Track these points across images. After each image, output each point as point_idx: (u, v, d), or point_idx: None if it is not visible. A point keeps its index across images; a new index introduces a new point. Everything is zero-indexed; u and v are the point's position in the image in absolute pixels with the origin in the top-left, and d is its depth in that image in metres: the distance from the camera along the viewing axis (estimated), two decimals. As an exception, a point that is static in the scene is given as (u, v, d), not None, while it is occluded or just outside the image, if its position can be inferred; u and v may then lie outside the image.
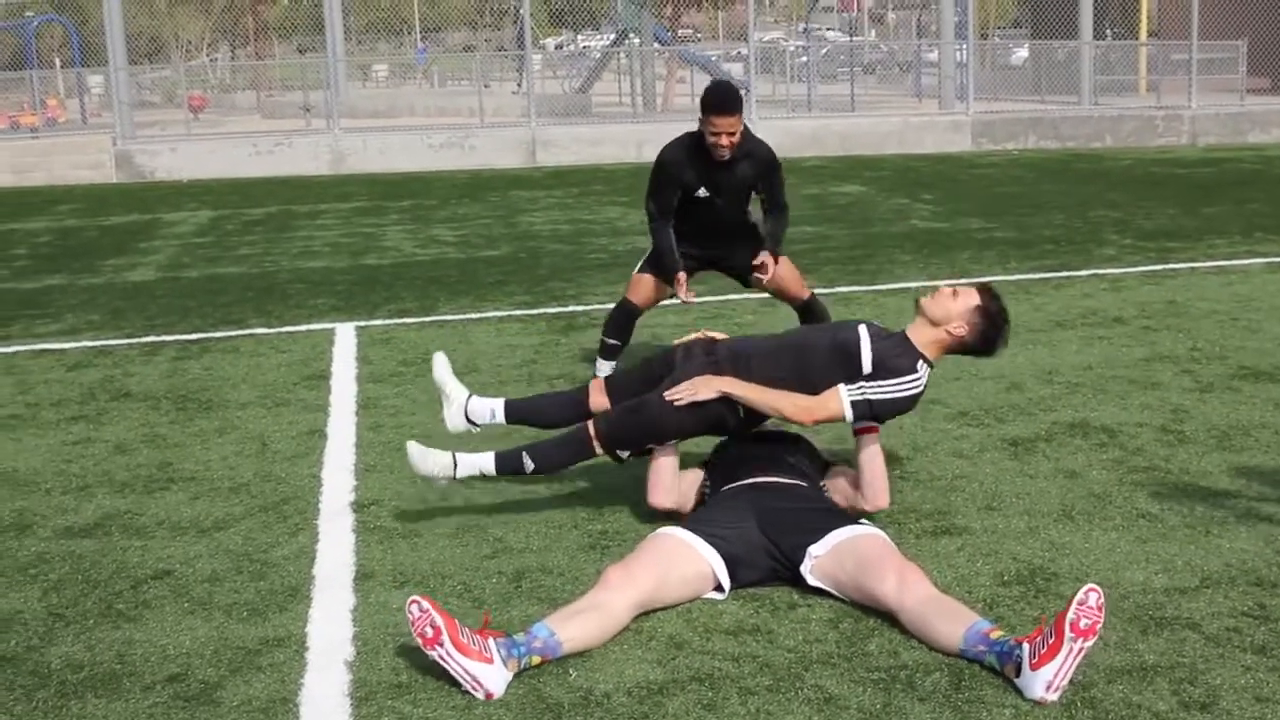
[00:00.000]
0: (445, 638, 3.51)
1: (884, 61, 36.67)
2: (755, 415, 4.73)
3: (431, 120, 23.66)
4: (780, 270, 6.58)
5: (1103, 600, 3.47)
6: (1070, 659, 3.41)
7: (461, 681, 3.51)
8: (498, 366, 7.30)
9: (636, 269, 6.70)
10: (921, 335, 4.73)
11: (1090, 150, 21.17)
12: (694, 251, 6.49)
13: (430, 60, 38.29)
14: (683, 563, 4.05)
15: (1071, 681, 3.48)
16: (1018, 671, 3.48)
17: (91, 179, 19.53)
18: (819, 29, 39.52)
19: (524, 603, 4.13)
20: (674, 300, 6.65)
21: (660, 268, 6.52)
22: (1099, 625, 3.45)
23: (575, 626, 3.72)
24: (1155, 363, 6.96)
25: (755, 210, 6.61)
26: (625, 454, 4.76)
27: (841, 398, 4.59)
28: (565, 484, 5.23)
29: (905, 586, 3.85)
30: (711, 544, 4.11)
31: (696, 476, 4.78)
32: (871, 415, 4.64)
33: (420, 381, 6.92)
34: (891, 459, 5.42)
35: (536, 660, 3.64)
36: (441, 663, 3.53)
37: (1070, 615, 3.42)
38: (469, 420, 5.02)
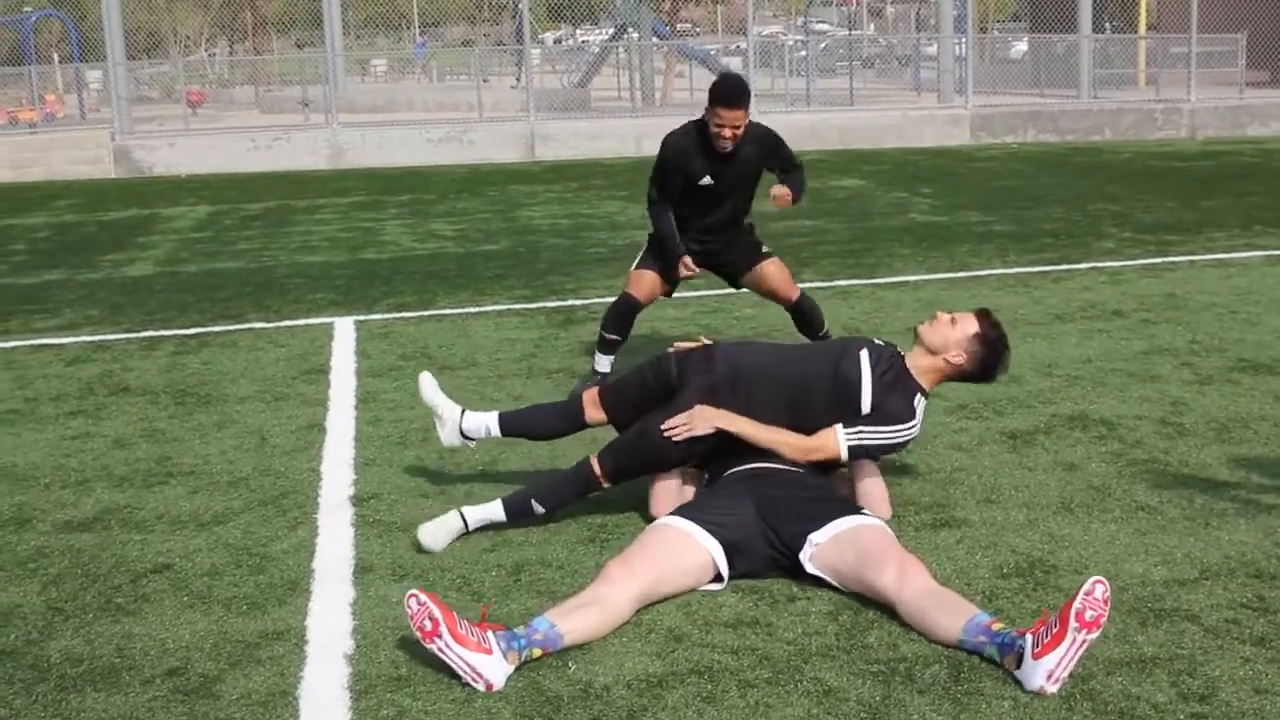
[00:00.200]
0: (444, 630, 3.51)
1: (883, 55, 36.61)
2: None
3: (430, 115, 23.65)
4: (771, 270, 6.60)
5: (1109, 594, 3.48)
6: (1073, 649, 3.41)
7: (461, 674, 3.51)
8: (496, 360, 7.30)
9: (635, 265, 6.68)
10: (920, 363, 4.71)
11: (1089, 144, 21.16)
12: (692, 247, 6.49)
13: (429, 55, 38.25)
14: (683, 553, 4.05)
15: (1071, 674, 3.48)
16: (1018, 663, 3.48)
17: (90, 174, 19.51)
18: (818, 21, 39.47)
19: (523, 596, 4.13)
20: (672, 296, 6.67)
21: (663, 251, 6.50)
22: (1103, 619, 3.45)
23: (576, 619, 3.72)
24: (1154, 355, 6.96)
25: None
26: (628, 479, 4.76)
27: (839, 440, 4.56)
28: (564, 477, 5.23)
29: (905, 579, 3.85)
30: (711, 532, 4.11)
31: (697, 479, 4.77)
32: (865, 456, 4.63)
33: (419, 375, 6.90)
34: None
35: (537, 653, 3.64)
36: (440, 655, 3.53)
37: (1077, 605, 3.42)
38: (465, 437, 5.01)
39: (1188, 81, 22.60)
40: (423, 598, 3.56)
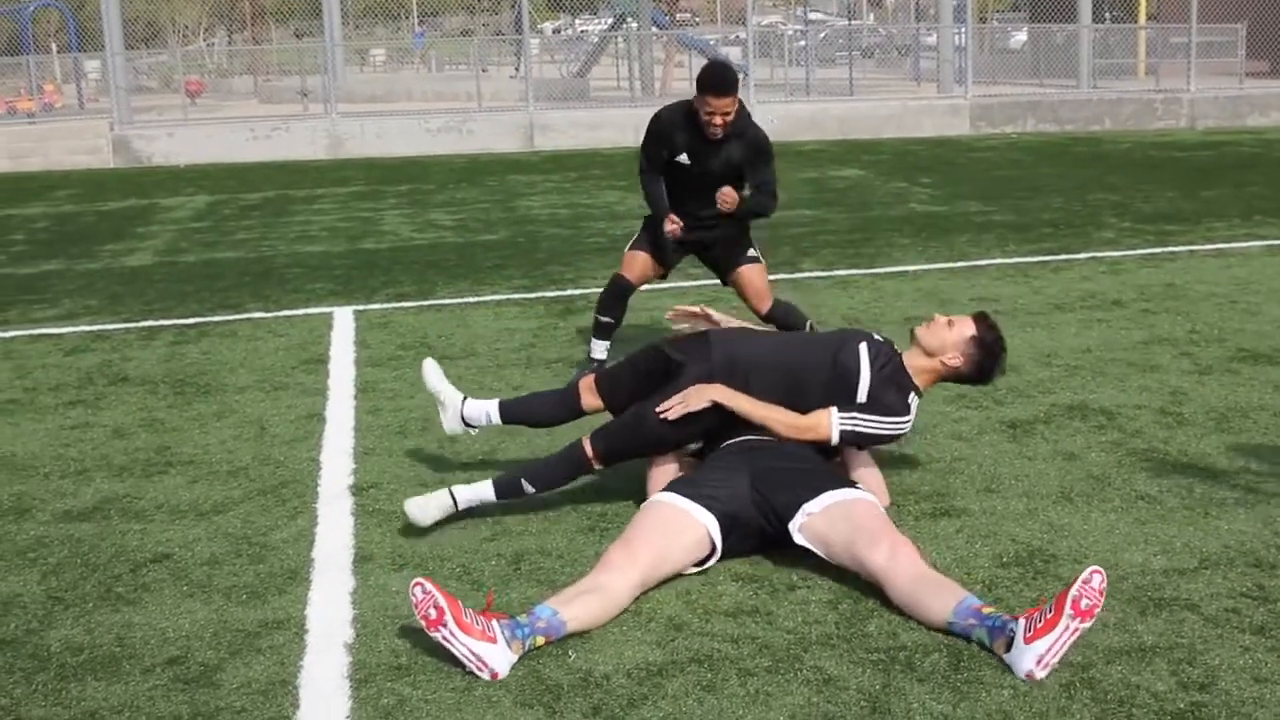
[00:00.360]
0: (449, 618, 3.51)
1: (882, 45, 36.58)
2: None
3: (429, 105, 23.62)
4: (748, 276, 6.59)
5: (1105, 584, 3.48)
6: (1065, 636, 3.42)
7: (466, 662, 3.51)
8: (496, 350, 7.30)
9: (629, 246, 6.72)
10: (915, 363, 4.70)
11: (1089, 133, 21.15)
12: (687, 235, 6.50)
13: (428, 44, 38.20)
14: (681, 531, 4.06)
15: (1070, 663, 3.49)
16: (1008, 646, 3.48)
17: (88, 164, 19.49)
18: (816, 12, 39.42)
19: (523, 585, 4.13)
20: (667, 285, 6.67)
21: (652, 212, 6.56)
22: (1097, 609, 3.45)
23: (578, 606, 3.73)
24: (1154, 345, 6.96)
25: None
26: (622, 462, 4.77)
27: (832, 422, 4.55)
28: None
29: (896, 559, 3.86)
30: (706, 506, 4.12)
31: (694, 469, 4.77)
32: (855, 442, 4.63)
33: (419, 365, 6.91)
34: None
35: (540, 641, 3.64)
36: (445, 644, 3.53)
37: (1074, 592, 3.42)
38: (466, 424, 5.03)
39: (1187, 71, 22.59)
40: (428, 586, 3.55)
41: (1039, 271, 9.18)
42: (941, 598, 3.71)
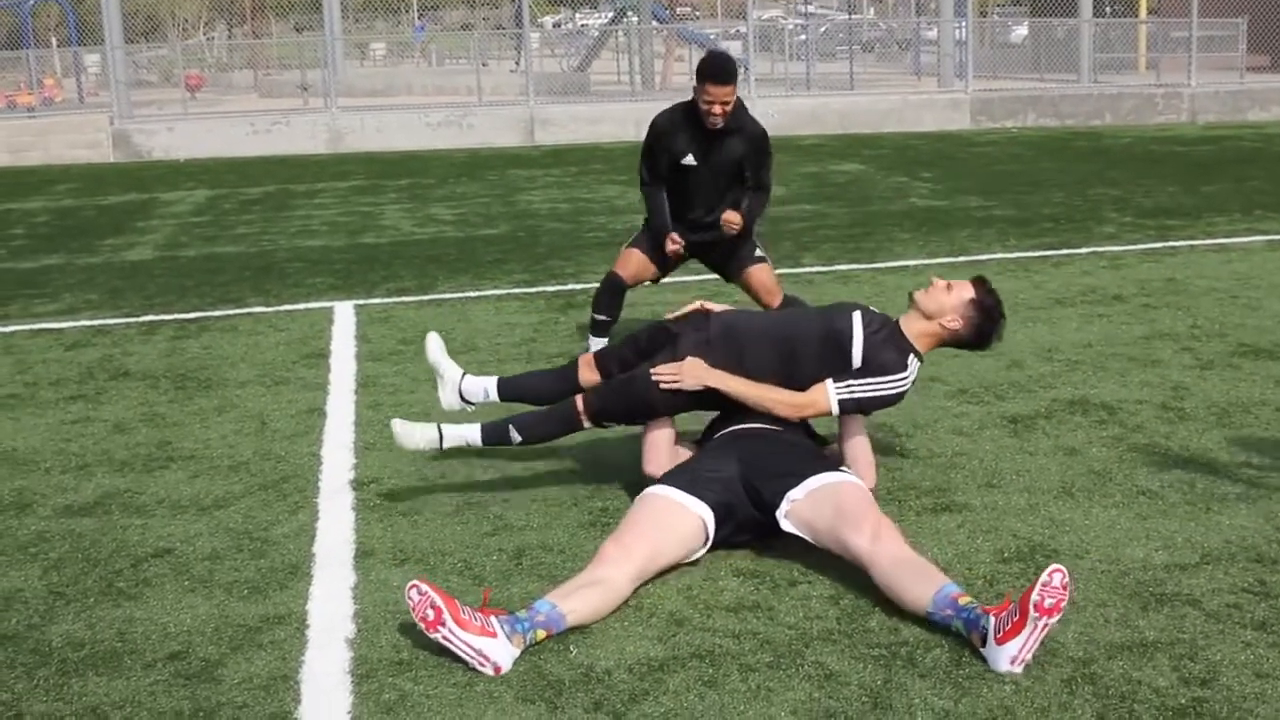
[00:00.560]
0: (447, 617, 3.51)
1: (883, 39, 36.55)
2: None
3: (429, 99, 23.60)
4: (758, 275, 6.62)
5: (1067, 580, 3.46)
6: (1035, 635, 3.44)
7: (467, 659, 3.51)
8: (496, 345, 7.30)
9: (628, 243, 6.75)
10: (914, 327, 4.70)
11: (1089, 128, 21.13)
12: (689, 238, 6.53)
13: (428, 38, 38.16)
14: (675, 523, 4.07)
15: (1071, 658, 3.49)
16: (983, 641, 3.50)
17: (88, 158, 19.48)
18: (817, 6, 39.37)
19: (524, 580, 4.13)
20: (669, 281, 6.67)
21: (652, 228, 6.58)
22: (1063, 603, 3.45)
23: (577, 600, 3.73)
24: (1155, 340, 6.96)
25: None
26: (612, 424, 4.81)
27: (829, 395, 4.57)
28: (565, 462, 5.24)
29: (879, 541, 3.87)
30: (700, 497, 4.13)
31: (690, 446, 4.78)
32: (857, 410, 4.63)
33: (420, 360, 6.91)
34: (891, 435, 5.44)
35: (541, 635, 3.64)
36: (446, 643, 3.52)
37: (1034, 596, 3.42)
38: (464, 399, 5.05)
39: (1188, 66, 22.56)
40: (423, 587, 3.55)
41: (1040, 266, 9.18)
42: (920, 585, 3.72)
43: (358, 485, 5.05)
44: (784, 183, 14.28)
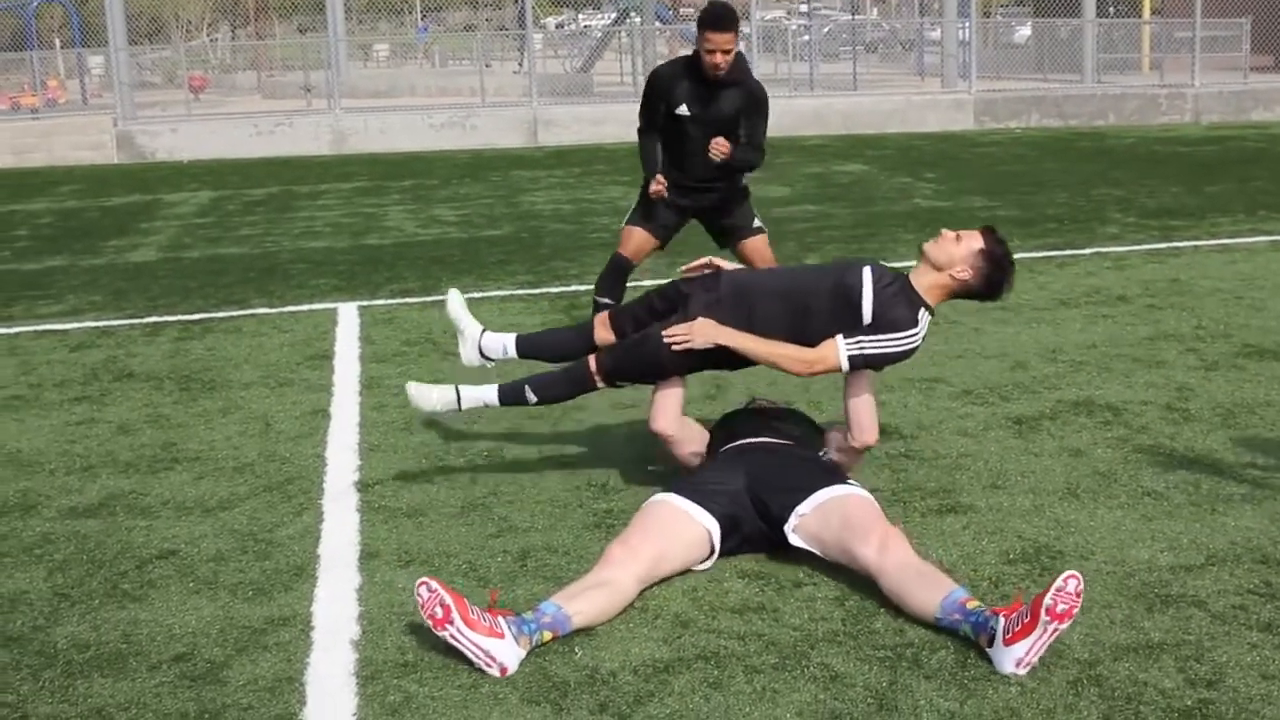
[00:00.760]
0: (455, 616, 3.50)
1: (886, 40, 36.53)
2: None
3: (433, 100, 23.60)
4: (757, 245, 6.72)
5: (1081, 587, 3.45)
6: (1043, 638, 3.43)
7: (474, 659, 3.50)
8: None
9: (625, 221, 6.83)
10: (924, 280, 4.66)
11: (1093, 128, 21.11)
12: (683, 202, 6.60)
13: (431, 40, 38.17)
14: (681, 531, 4.06)
15: (1077, 659, 3.49)
16: (990, 642, 3.49)
17: (92, 160, 19.49)
18: (821, 7, 39.35)
19: (529, 581, 4.13)
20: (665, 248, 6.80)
21: (643, 187, 6.69)
22: (1076, 610, 3.43)
23: (583, 602, 3.72)
24: (1159, 341, 6.95)
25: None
26: (626, 384, 4.84)
27: (839, 350, 4.55)
28: (570, 463, 5.24)
29: (887, 550, 3.86)
30: (706, 508, 4.12)
31: (703, 433, 4.78)
32: (867, 366, 4.61)
33: (424, 361, 6.93)
34: (895, 437, 5.43)
35: (547, 636, 3.63)
36: (453, 642, 3.52)
37: (1048, 600, 3.41)
38: (483, 355, 5.08)
39: (1192, 66, 22.53)
40: (433, 585, 3.55)
41: (1044, 267, 9.17)
42: (928, 591, 3.71)
43: (362, 487, 5.05)
44: (788, 183, 14.30)
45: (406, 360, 6.95)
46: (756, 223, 6.75)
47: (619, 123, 20.11)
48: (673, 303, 4.85)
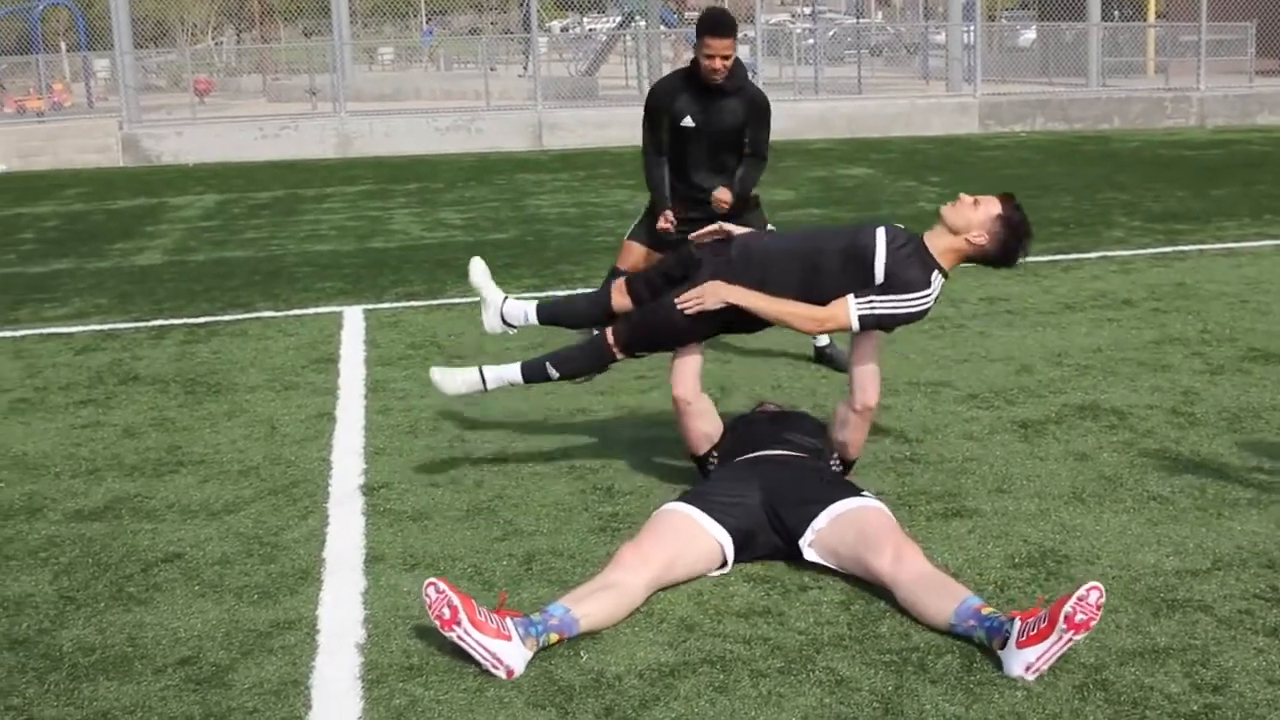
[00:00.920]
0: (463, 616, 3.50)
1: (891, 44, 36.56)
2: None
3: (438, 103, 23.62)
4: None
5: (1103, 599, 3.43)
6: (1057, 646, 3.42)
7: (481, 661, 3.50)
8: (506, 349, 7.29)
9: (628, 234, 6.81)
10: (940, 243, 4.67)
11: (1098, 132, 21.11)
12: (693, 214, 6.56)
13: (436, 43, 38.21)
14: (693, 541, 4.05)
15: (1083, 664, 3.48)
16: (1003, 645, 3.48)
17: (98, 163, 19.52)
18: (826, 10, 39.37)
19: (534, 585, 4.13)
20: None
21: (650, 201, 6.64)
22: (1094, 622, 3.42)
23: (591, 604, 3.72)
24: (1165, 345, 6.94)
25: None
26: (644, 354, 4.90)
27: (850, 309, 4.55)
28: (575, 467, 5.24)
29: (901, 561, 3.86)
30: (719, 521, 4.11)
31: (719, 421, 4.80)
32: (877, 326, 4.61)
33: (429, 364, 6.90)
34: (900, 440, 5.43)
35: (554, 638, 3.63)
36: (460, 643, 3.52)
37: (1068, 608, 3.39)
38: (505, 322, 5.16)
39: (1197, 70, 22.53)
40: (441, 585, 3.55)
41: (1049, 270, 9.16)
42: (943, 599, 3.71)
43: (368, 490, 5.05)
44: (792, 186, 14.30)
45: (412, 364, 6.96)
46: (770, 228, 6.72)
47: (624, 126, 20.14)
48: (687, 267, 4.85)
